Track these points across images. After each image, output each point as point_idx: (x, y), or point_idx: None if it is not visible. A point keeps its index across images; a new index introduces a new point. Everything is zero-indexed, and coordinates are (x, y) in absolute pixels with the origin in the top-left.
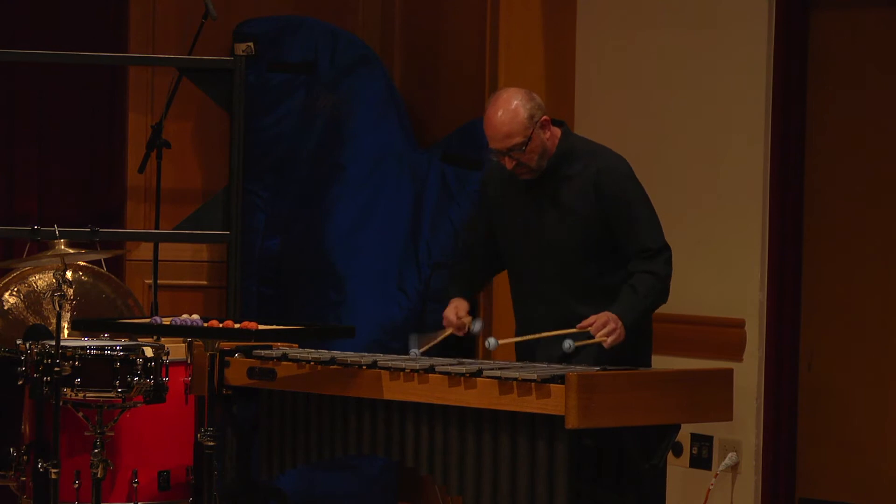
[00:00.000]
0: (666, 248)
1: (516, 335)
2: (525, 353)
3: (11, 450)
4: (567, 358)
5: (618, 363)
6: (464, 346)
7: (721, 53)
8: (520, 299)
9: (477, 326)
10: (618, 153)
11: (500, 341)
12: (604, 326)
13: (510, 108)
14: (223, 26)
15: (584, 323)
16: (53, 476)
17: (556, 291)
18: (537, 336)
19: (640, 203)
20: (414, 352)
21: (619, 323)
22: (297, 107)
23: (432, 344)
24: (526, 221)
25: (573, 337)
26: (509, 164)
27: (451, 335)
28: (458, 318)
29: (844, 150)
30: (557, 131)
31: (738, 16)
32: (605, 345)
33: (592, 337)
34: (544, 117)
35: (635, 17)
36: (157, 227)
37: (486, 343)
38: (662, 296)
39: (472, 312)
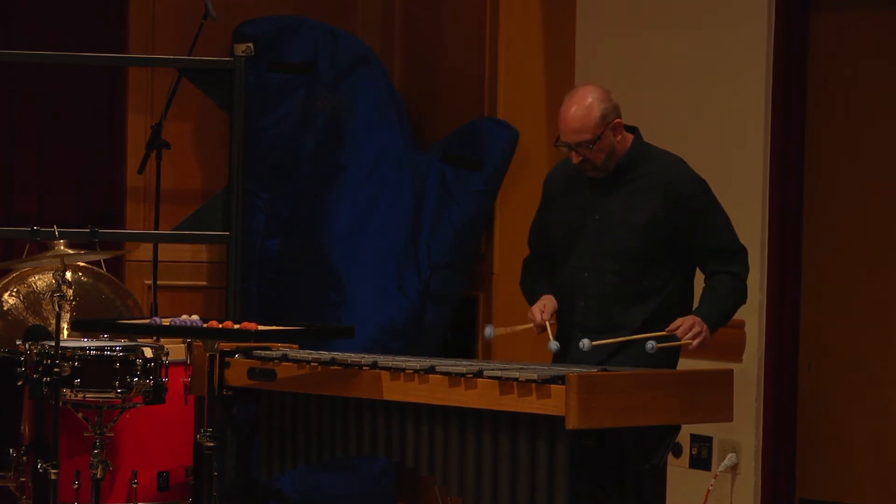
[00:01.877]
0: (743, 249)
1: (556, 331)
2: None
3: (11, 450)
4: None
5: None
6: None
7: (721, 54)
8: (564, 294)
9: (553, 347)
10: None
11: (594, 343)
12: (690, 329)
13: (585, 104)
14: (223, 27)
15: (672, 326)
16: (53, 477)
17: (605, 290)
18: (624, 339)
19: (716, 207)
20: (489, 331)
21: (705, 326)
22: (297, 107)
23: (508, 332)
24: (588, 219)
25: (658, 340)
26: (575, 159)
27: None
28: (543, 318)
29: (844, 150)
30: (629, 136)
31: (738, 17)
32: (690, 347)
33: (678, 339)
34: (617, 120)
35: (635, 17)
36: (156, 228)
37: (581, 344)
38: (742, 296)
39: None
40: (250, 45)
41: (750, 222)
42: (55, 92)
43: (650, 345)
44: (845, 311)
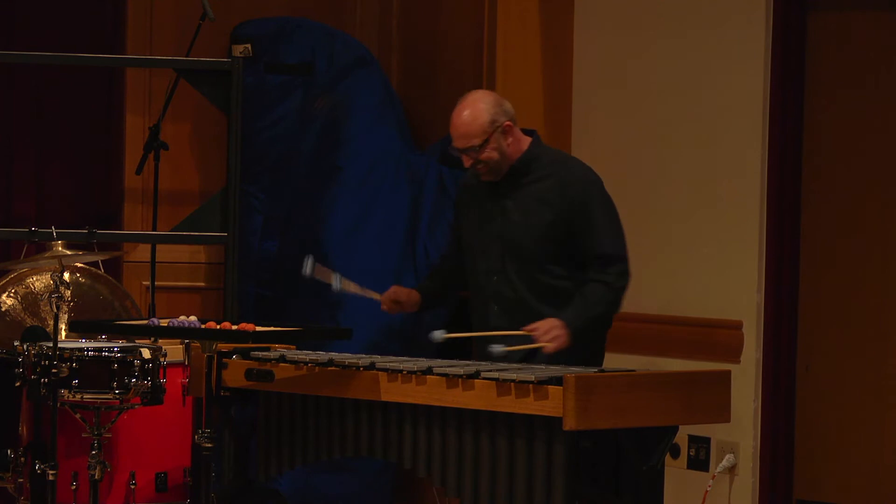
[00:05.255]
0: (623, 260)
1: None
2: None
3: (9, 451)
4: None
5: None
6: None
7: (718, 56)
8: (479, 299)
9: (336, 282)
10: (588, 165)
11: (447, 335)
12: (548, 332)
13: (473, 111)
14: (221, 28)
15: (530, 326)
16: (51, 478)
17: (516, 293)
18: (484, 334)
19: (604, 210)
20: (336, 280)
21: (565, 330)
22: (294, 108)
23: (352, 289)
24: (490, 224)
25: (518, 339)
26: (466, 163)
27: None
28: (392, 294)
29: (842, 151)
30: (526, 139)
31: (736, 18)
32: (545, 350)
33: (534, 340)
34: (507, 123)
35: (632, 19)
36: (154, 229)
37: (431, 336)
38: (614, 306)
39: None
40: (248, 46)
41: (747, 222)
42: (53, 93)
43: (497, 348)
44: (843, 313)
